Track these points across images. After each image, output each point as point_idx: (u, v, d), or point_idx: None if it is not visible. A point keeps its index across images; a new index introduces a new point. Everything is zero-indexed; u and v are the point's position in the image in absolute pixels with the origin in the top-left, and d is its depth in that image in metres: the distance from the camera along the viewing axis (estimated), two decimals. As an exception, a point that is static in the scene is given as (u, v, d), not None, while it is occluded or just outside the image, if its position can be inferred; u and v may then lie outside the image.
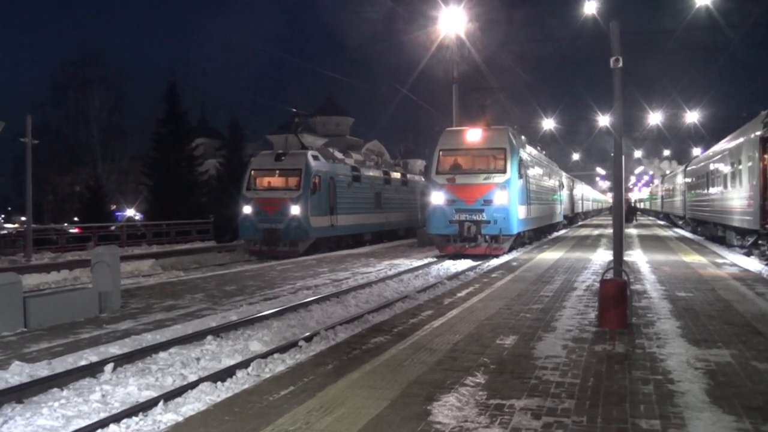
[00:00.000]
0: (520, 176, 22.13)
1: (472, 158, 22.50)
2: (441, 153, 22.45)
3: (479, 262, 19.94)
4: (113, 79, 64.47)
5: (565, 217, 40.63)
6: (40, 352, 8.81)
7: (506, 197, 20.93)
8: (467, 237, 21.18)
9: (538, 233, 28.74)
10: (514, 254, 21.52)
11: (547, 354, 7.18)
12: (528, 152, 26.03)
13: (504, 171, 21.36)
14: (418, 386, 5.97)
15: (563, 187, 39.46)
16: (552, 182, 33.30)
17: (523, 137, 26.82)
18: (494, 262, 19.54)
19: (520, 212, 21.93)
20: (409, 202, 36.92)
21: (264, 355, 8.75)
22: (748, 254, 19.27)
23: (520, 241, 24.13)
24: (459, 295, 12.01)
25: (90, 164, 57.76)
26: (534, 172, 26.55)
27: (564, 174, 43.00)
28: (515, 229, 21.41)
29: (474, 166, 22.31)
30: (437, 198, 21.68)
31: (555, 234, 34.09)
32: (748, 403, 5.37)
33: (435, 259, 21.64)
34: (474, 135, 22.36)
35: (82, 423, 6.37)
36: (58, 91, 58.81)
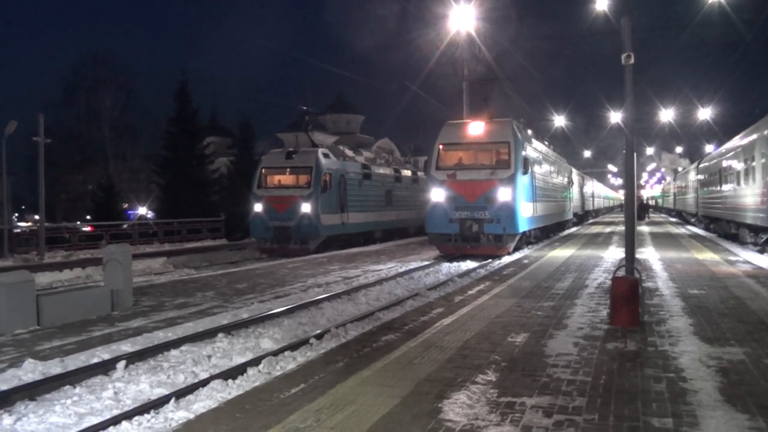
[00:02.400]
0: (526, 172, 20.87)
1: (474, 153, 21.33)
2: (441, 147, 21.27)
3: (490, 260, 19.86)
4: (124, 79, 64.87)
5: (575, 215, 40.15)
6: (52, 350, 8.88)
7: (510, 194, 19.81)
8: (469, 236, 20.15)
9: (546, 232, 27.91)
10: (524, 252, 21.37)
11: (558, 352, 7.15)
12: (534, 147, 24.90)
13: (508, 166, 20.21)
14: (429, 384, 5.96)
15: (573, 184, 38.74)
16: (560, 179, 32.37)
17: (529, 131, 25.59)
18: (505, 259, 19.43)
19: (525, 210, 20.87)
20: (420, 199, 36.88)
21: (275, 353, 8.77)
22: (762, 251, 19.11)
23: (526, 240, 23.22)
24: (470, 292, 11.99)
25: (102, 163, 58.26)
26: (541, 167, 25.44)
27: (574, 170, 42.32)
28: (520, 227, 20.40)
29: (476, 161, 21.12)
30: (437, 195, 20.58)
31: (566, 231, 33.91)
32: (762, 402, 5.33)
33: (445, 257, 21.52)
34: (476, 128, 21.19)
35: (95, 420, 6.41)
36: (70, 90, 59.42)
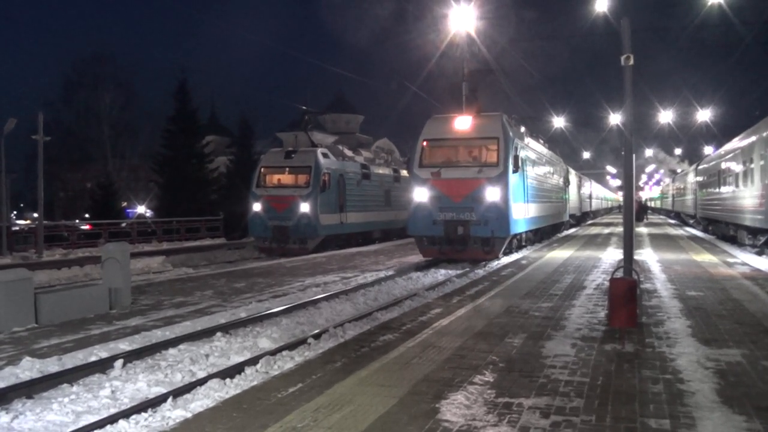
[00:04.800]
0: (516, 170, 19.39)
1: (461, 149, 19.82)
2: (425, 143, 19.83)
3: (488, 261, 19.75)
4: (124, 77, 64.86)
5: (572, 216, 39.61)
6: (50, 348, 8.87)
7: (499, 194, 18.42)
8: (454, 239, 18.80)
9: (540, 234, 26.93)
10: (522, 253, 21.30)
11: (556, 353, 7.16)
12: (527, 144, 23.29)
13: (497, 164, 18.78)
14: (427, 384, 5.97)
15: (570, 184, 37.93)
16: (557, 179, 31.42)
17: (522, 128, 23.97)
18: (504, 260, 19.33)
19: (515, 211, 19.39)
20: None
21: (273, 352, 8.77)
22: (760, 253, 19.13)
23: (518, 243, 21.93)
24: (468, 293, 12.00)
25: (101, 161, 58.13)
26: (535, 166, 24.05)
27: (572, 171, 41.80)
28: (510, 230, 18.99)
29: (463, 159, 19.65)
30: (420, 195, 19.15)
31: (564, 233, 33.84)
32: (759, 403, 5.34)
33: (444, 258, 21.36)
34: (463, 123, 19.65)
35: (92, 419, 6.40)
36: (69, 88, 59.18)
